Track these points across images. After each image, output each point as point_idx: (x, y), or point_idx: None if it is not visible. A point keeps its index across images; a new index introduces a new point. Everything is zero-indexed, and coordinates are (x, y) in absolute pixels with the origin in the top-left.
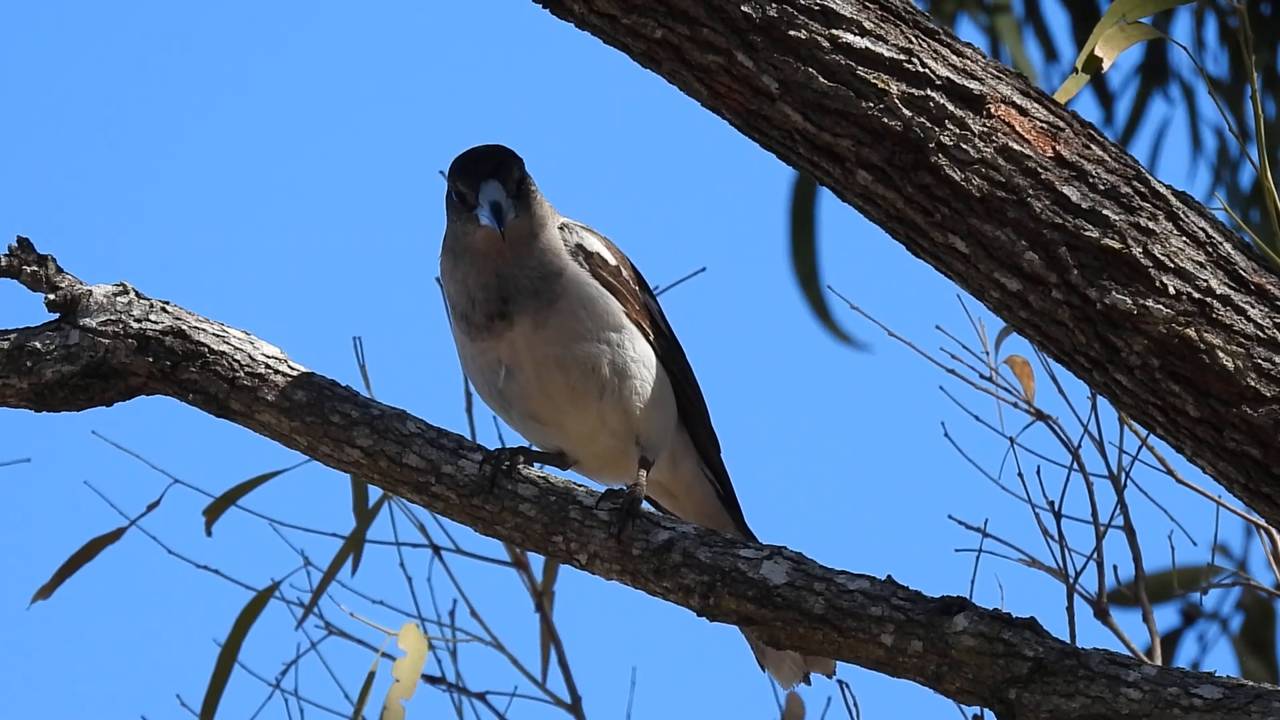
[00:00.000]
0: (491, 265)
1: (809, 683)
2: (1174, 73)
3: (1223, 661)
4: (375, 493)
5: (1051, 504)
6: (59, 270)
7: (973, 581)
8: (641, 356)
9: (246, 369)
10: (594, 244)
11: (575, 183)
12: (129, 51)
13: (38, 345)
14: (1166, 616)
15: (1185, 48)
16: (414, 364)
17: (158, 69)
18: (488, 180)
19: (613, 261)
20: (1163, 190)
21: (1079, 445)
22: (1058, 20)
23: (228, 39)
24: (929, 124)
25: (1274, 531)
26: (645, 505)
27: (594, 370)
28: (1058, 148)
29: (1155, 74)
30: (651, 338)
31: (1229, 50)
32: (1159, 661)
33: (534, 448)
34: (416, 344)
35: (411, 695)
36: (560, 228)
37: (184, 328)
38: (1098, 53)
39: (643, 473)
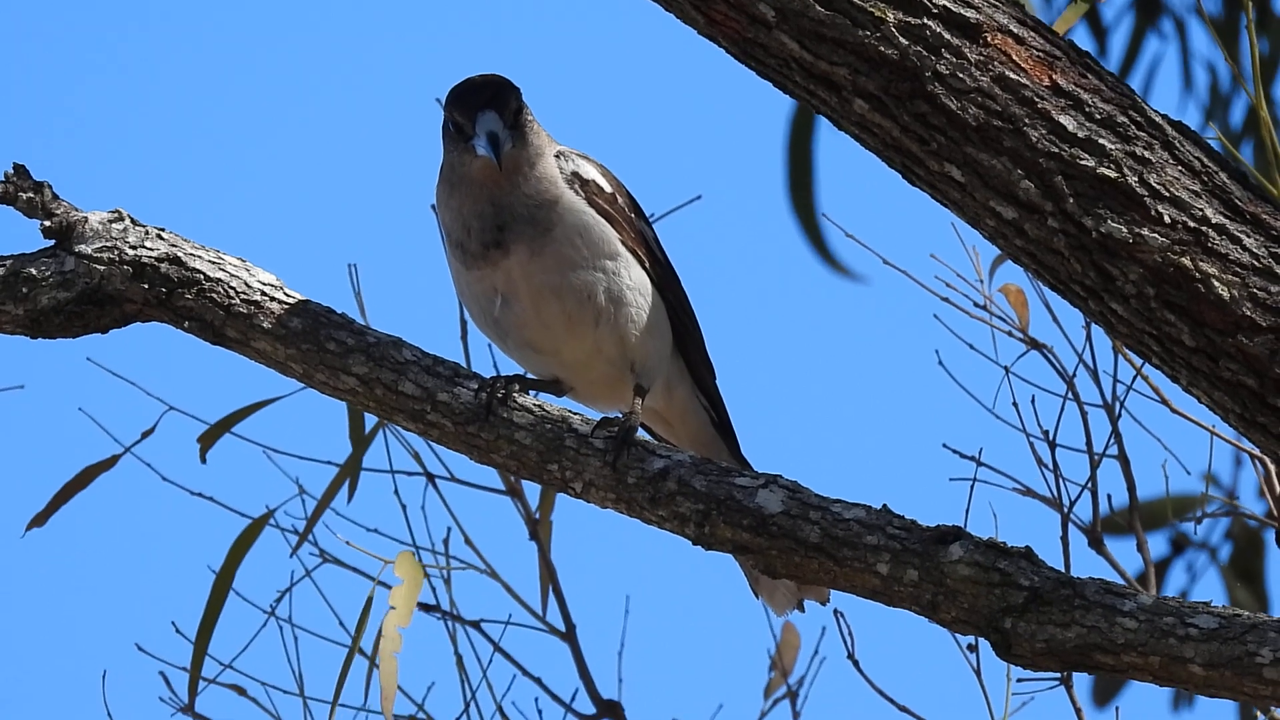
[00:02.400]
0: (487, 194)
1: (803, 610)
2: (1167, 8)
3: (1211, 590)
4: (370, 420)
5: (1046, 433)
6: (55, 197)
7: (967, 510)
8: (637, 284)
9: (242, 296)
10: (590, 171)
11: (572, 110)
12: None
13: (33, 271)
14: (1155, 545)
15: None
16: (409, 291)
17: None
18: (484, 110)
19: (608, 189)
20: (1159, 120)
21: (1074, 374)
22: None
23: None
24: (925, 52)
25: (1268, 461)
26: (640, 433)
27: (590, 298)
28: (1054, 77)
29: (1149, 9)
30: (647, 265)
31: None
32: (1154, 591)
33: (529, 375)
34: (411, 271)
35: (408, 623)
36: (556, 155)
37: (180, 254)
38: None
39: (638, 400)
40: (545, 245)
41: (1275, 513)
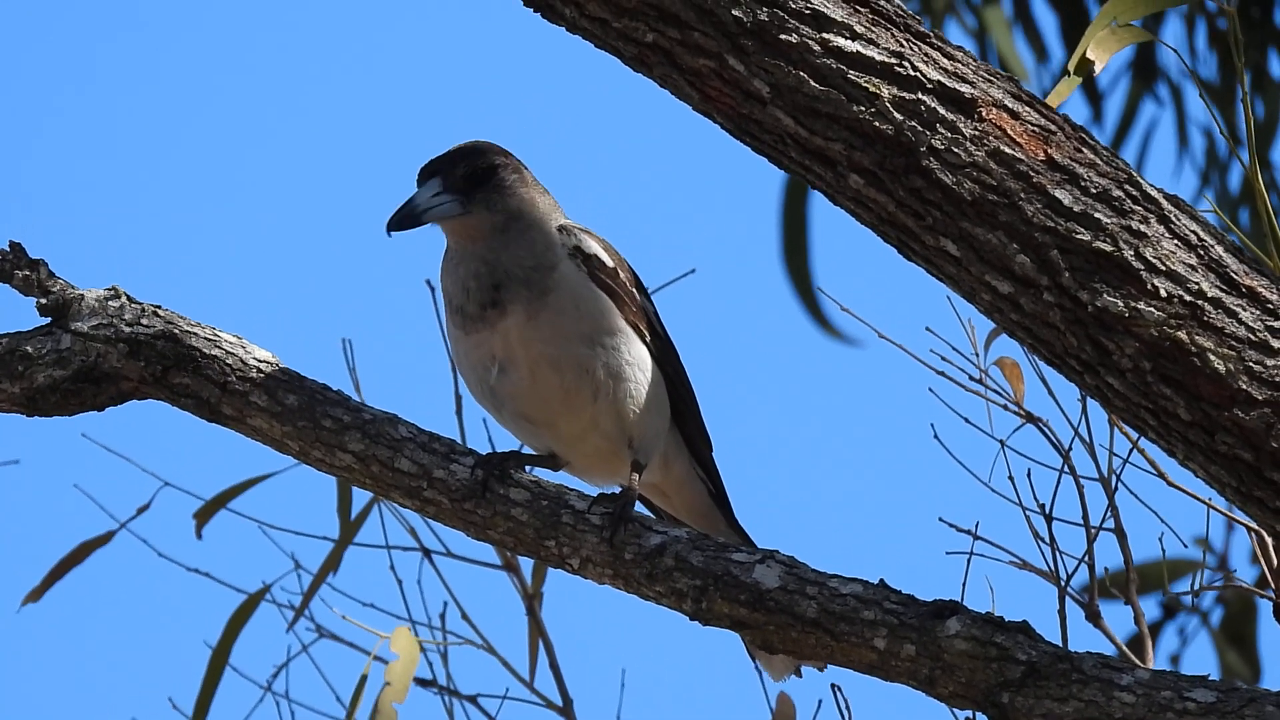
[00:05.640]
0: (472, 252)
1: (800, 675)
2: (1163, 72)
3: (1203, 654)
4: (362, 496)
5: (1042, 506)
6: (51, 275)
7: (964, 584)
8: (637, 360)
9: (238, 373)
10: (592, 246)
11: (569, 184)
12: (118, 50)
13: (29, 349)
14: (1147, 609)
15: (1175, 50)
16: (404, 367)
17: (148, 67)
18: (429, 179)
19: (610, 264)
20: (1154, 193)
21: (1069, 447)
22: (1047, 21)
23: (220, 36)
24: (920, 128)
25: (1264, 534)
26: (637, 506)
27: (588, 372)
28: (1049, 151)
29: (1144, 74)
30: (648, 339)
31: (1218, 53)
32: (1149, 655)
33: (525, 450)
34: (406, 347)
35: (404, 699)
36: (559, 229)
37: (176, 332)
38: (1089, 55)
39: (635, 476)
40: (541, 309)
41: (1272, 584)
